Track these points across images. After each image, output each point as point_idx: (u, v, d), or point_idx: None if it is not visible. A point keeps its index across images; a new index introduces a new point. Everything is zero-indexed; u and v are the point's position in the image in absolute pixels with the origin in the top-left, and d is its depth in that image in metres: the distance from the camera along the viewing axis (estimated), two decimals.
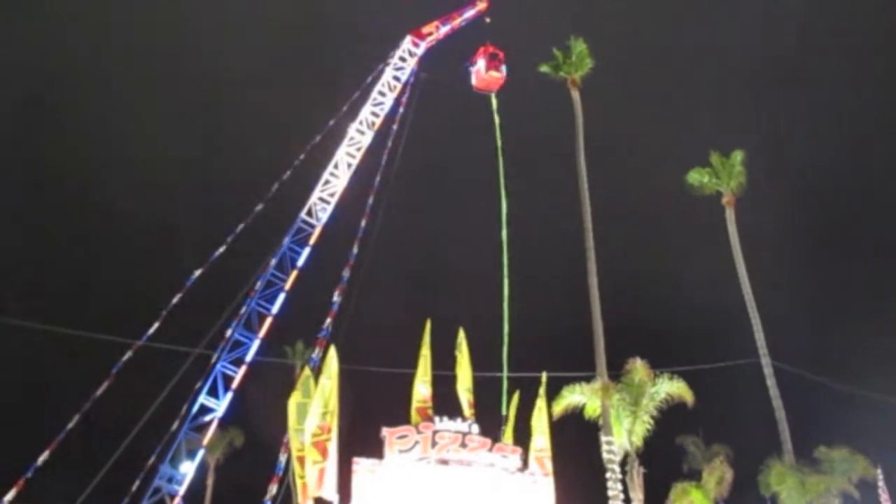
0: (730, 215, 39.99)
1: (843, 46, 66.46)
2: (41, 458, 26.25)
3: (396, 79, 35.47)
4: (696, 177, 40.82)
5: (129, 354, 28.34)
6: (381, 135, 34.72)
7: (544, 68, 36.50)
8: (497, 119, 35.00)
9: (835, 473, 31.30)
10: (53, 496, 30.90)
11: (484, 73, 36.08)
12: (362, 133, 33.81)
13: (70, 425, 26.86)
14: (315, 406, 21.17)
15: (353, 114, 34.18)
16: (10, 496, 26.26)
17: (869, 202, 62.69)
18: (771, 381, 36.00)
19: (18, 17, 59.97)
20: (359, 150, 33.54)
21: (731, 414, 42.70)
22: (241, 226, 31.45)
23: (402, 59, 35.83)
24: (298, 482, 21.48)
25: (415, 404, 23.80)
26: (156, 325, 29.07)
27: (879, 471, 33.29)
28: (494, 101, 35.57)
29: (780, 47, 69.89)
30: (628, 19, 67.45)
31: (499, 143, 34.03)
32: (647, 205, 59.94)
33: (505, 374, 28.26)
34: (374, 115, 34.41)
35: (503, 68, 36.47)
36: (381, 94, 34.85)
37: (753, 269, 38.81)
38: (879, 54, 64.91)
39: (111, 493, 27.56)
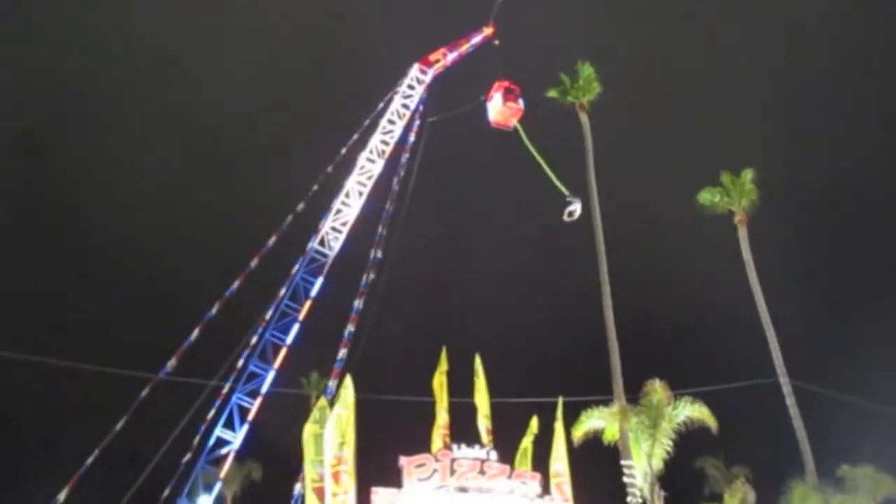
0: (742, 234, 39.83)
1: (856, 61, 66.39)
2: (62, 496, 26.24)
3: (405, 107, 35.70)
4: (707, 196, 40.71)
5: (147, 389, 28.40)
6: (392, 162, 34.89)
7: (552, 93, 36.68)
8: (531, 146, 34.36)
9: (859, 492, 30.84)
10: None
11: (502, 107, 35.38)
12: (373, 161, 33.99)
13: (89, 460, 26.91)
14: (330, 436, 21.08)
15: (363, 143, 34.39)
16: None
17: (887, 216, 62.29)
18: (790, 400, 35.65)
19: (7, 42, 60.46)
20: (369, 178, 33.71)
21: (751, 435, 42.28)
22: (256, 260, 31.56)
23: (411, 87, 36.08)
24: None
25: (436, 431, 23.73)
26: (173, 359, 29.14)
27: None
28: (521, 130, 34.97)
29: (790, 63, 69.98)
30: (635, 40, 67.67)
31: (545, 167, 33.45)
32: (660, 226, 59.76)
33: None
34: (384, 143, 34.61)
35: (520, 101, 35.75)
36: (391, 122, 35.08)
37: (769, 286, 38.59)
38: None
39: None
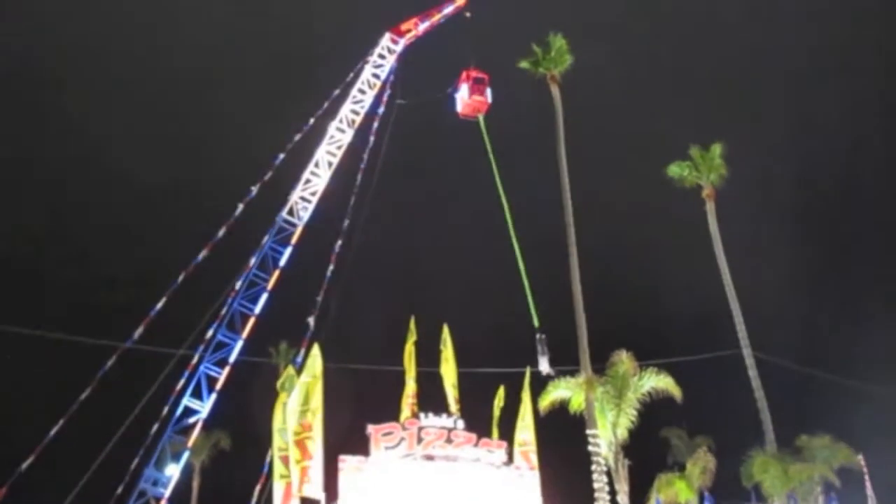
0: (710, 208, 40.25)
1: (832, 36, 66.80)
2: (25, 464, 26.07)
3: (376, 76, 35.42)
4: (676, 170, 41.06)
5: (113, 359, 28.17)
6: (362, 132, 34.66)
7: (524, 64, 36.54)
8: (488, 141, 34.25)
9: (816, 461, 31.64)
10: (38, 502, 30.74)
11: (468, 99, 35.19)
12: (343, 131, 33.75)
13: (54, 430, 26.69)
14: (294, 404, 21.15)
15: (333, 112, 34.10)
16: None
17: (851, 194, 63.31)
18: (753, 372, 36.29)
19: None
20: (339, 148, 33.48)
21: (714, 406, 43.03)
22: (223, 229, 31.28)
23: (382, 57, 35.78)
24: (282, 482, 21.44)
25: (405, 400, 23.90)
26: (140, 328, 28.91)
27: (861, 457, 33.69)
28: (483, 124, 34.87)
29: (763, 39, 70.41)
30: (609, 13, 67.61)
31: (493, 163, 33.37)
32: (630, 200, 60.19)
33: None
34: (355, 112, 34.35)
35: (488, 92, 35.56)
36: (361, 91, 34.80)
37: (735, 261, 39.12)
38: (869, 43, 65.50)
39: (96, 498, 27.45)
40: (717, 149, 40.86)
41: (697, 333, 45.32)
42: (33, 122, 58.65)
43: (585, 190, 37.26)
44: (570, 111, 35.63)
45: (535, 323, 26.21)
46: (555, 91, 35.72)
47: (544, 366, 25.21)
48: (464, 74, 35.31)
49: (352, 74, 35.14)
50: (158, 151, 60.05)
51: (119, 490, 27.22)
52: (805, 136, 67.04)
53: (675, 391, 29.32)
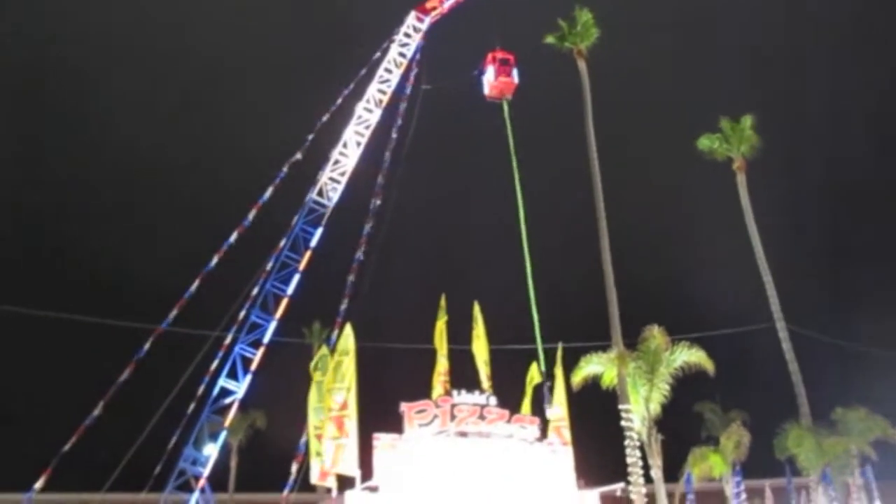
0: (741, 180, 39.94)
1: (858, 12, 65.46)
2: (67, 446, 26.66)
3: (402, 55, 35.30)
4: (706, 143, 40.76)
5: (150, 341, 28.63)
6: (391, 112, 34.63)
7: (550, 39, 36.37)
8: (509, 126, 33.91)
9: (852, 434, 31.45)
10: (80, 482, 31.49)
11: (495, 81, 34.83)
12: (370, 111, 33.75)
13: (95, 412, 27.24)
14: (329, 383, 21.42)
15: (359, 92, 34.13)
16: (39, 484, 26.74)
17: (885, 165, 62.15)
18: (787, 345, 36.13)
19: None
20: (367, 128, 33.50)
21: (748, 380, 42.86)
22: (254, 211, 31.55)
23: (407, 35, 35.64)
24: (318, 459, 21.75)
25: (437, 377, 24.03)
26: (174, 311, 29.33)
27: None
28: (507, 108, 34.55)
29: (793, 10, 69.07)
30: None
31: (512, 149, 33.05)
32: (660, 173, 59.69)
33: (539, 342, 28.07)
34: (381, 92, 34.29)
35: (514, 72, 34.85)
36: (388, 70, 34.72)
37: (766, 233, 38.78)
38: None
39: (137, 478, 28.06)
40: (747, 120, 40.45)
41: (731, 307, 45.04)
42: (64, 109, 59.30)
43: (614, 164, 37.02)
44: (597, 86, 35.42)
45: (542, 369, 26.14)
46: (581, 66, 35.53)
47: (551, 412, 25.21)
48: (489, 56, 35.01)
49: (378, 53, 35.06)
50: (185, 137, 60.46)
51: (158, 469, 27.79)
52: (838, 107, 65.96)
53: (708, 365, 29.25)
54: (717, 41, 69.17)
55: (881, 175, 59.83)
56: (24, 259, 52.79)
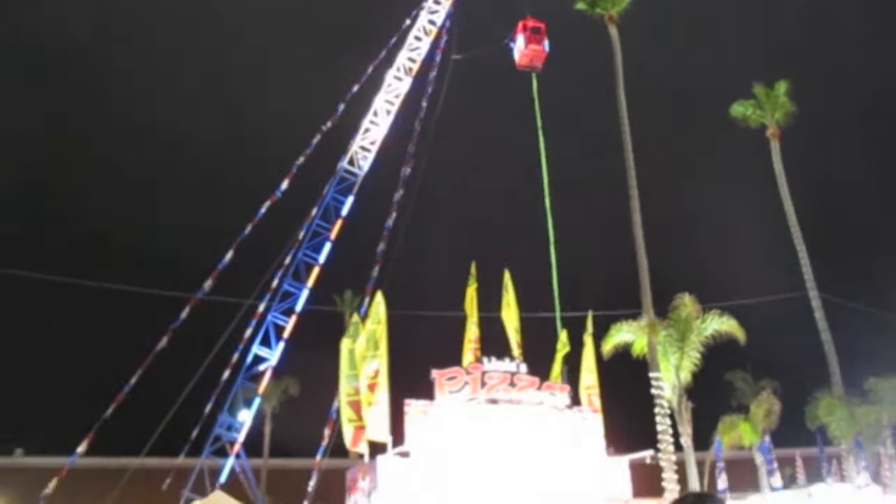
0: (774, 147, 39.43)
1: None
2: (108, 412, 27.32)
3: (432, 22, 35.07)
4: (740, 109, 40.21)
5: (186, 310, 29.09)
6: (421, 81, 34.53)
7: (580, 5, 35.99)
8: (537, 103, 33.63)
9: (884, 404, 31.21)
10: (120, 447, 32.31)
11: (525, 49, 34.50)
12: (400, 79, 33.70)
13: (134, 379, 27.87)
14: (361, 350, 21.68)
15: (389, 60, 34.04)
16: (82, 448, 27.51)
17: None
18: (819, 314, 35.83)
19: None
20: (397, 96, 33.47)
21: (779, 349, 42.56)
22: (286, 181, 31.77)
23: (437, 2, 35.40)
24: (350, 425, 22.06)
25: (467, 345, 24.18)
26: (210, 280, 29.75)
27: None
28: (535, 83, 34.20)
29: None
30: None
31: (539, 125, 32.81)
32: (692, 139, 59.03)
33: (558, 313, 28.27)
34: (411, 60, 34.18)
35: (545, 41, 34.38)
36: (417, 38, 34.57)
37: (799, 200, 38.34)
38: None
39: (174, 443, 28.75)
40: (781, 86, 39.81)
41: (762, 275, 44.67)
42: (92, 92, 59.87)
43: (646, 131, 36.71)
44: (628, 52, 35.02)
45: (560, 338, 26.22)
46: (613, 31, 35.15)
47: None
48: (520, 25, 34.70)
49: (408, 21, 34.88)
50: (214, 111, 60.84)
51: (194, 434, 28.42)
52: (871, 73, 64.59)
53: (739, 334, 29.15)
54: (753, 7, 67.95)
55: None
56: (73, 235, 53.77)
